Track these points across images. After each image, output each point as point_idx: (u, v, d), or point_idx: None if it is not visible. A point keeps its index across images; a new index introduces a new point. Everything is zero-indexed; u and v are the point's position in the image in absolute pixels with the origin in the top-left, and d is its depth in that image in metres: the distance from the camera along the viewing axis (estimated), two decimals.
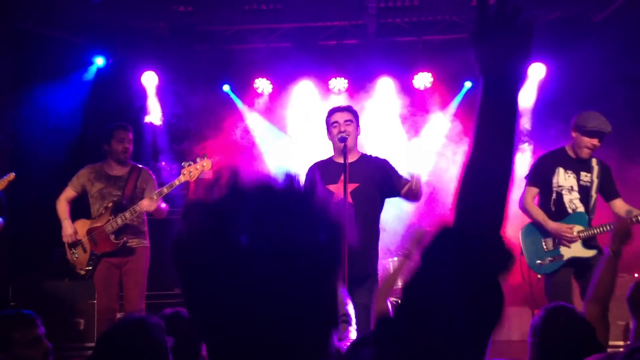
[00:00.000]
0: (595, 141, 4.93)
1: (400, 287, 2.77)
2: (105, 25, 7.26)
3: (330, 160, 4.95)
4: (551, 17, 7.33)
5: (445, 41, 7.74)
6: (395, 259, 6.15)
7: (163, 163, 7.38)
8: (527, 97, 7.64)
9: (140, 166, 5.69)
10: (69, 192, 5.57)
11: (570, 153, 5.10)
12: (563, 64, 7.30)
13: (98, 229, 5.41)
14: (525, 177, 5.24)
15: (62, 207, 5.54)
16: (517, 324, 6.28)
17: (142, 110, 7.83)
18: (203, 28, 7.79)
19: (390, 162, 4.93)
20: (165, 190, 5.29)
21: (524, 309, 6.35)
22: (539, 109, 7.58)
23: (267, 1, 7.04)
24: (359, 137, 4.92)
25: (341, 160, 4.71)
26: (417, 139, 7.88)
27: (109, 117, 7.36)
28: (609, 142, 5.62)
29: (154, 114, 7.89)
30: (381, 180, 4.73)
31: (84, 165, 5.65)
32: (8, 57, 6.60)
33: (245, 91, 8.06)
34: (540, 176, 5.12)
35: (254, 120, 8.11)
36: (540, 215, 5.02)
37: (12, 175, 5.28)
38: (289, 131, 8.02)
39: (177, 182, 5.28)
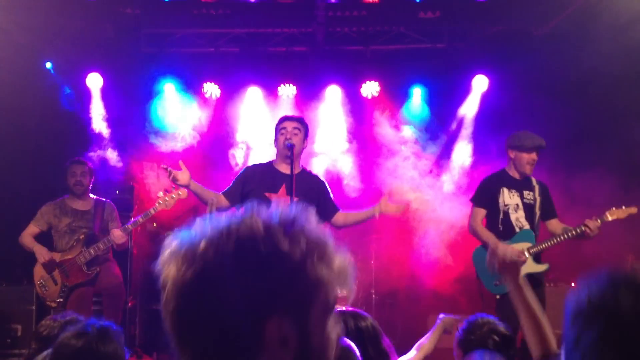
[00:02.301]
0: (534, 155, 5.16)
1: None
2: (50, 25, 7.10)
3: (270, 166, 4.92)
4: (493, 31, 7.53)
5: (392, 51, 7.86)
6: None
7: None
8: (469, 108, 7.83)
9: (104, 200, 5.91)
10: (32, 229, 5.73)
11: (511, 173, 5.27)
12: (505, 76, 7.51)
13: (69, 261, 5.56)
14: (471, 200, 5.38)
15: (28, 239, 5.68)
16: None
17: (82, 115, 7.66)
18: (150, 31, 7.70)
19: (326, 185, 5.03)
20: (140, 219, 5.46)
21: None
22: (480, 120, 7.77)
23: (216, 6, 7.03)
24: (304, 150, 4.99)
25: (283, 169, 4.74)
26: (364, 148, 7.96)
27: (53, 120, 7.26)
28: (549, 155, 5.84)
29: (98, 119, 7.73)
30: (317, 199, 4.79)
31: (44, 202, 5.85)
32: None
33: (194, 95, 7.99)
34: (486, 197, 5.25)
35: (201, 125, 8.03)
36: (491, 237, 5.07)
37: None
38: (237, 137, 7.99)
39: (152, 211, 5.39)
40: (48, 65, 7.56)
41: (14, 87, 6.95)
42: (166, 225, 7.39)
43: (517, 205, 5.16)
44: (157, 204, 5.39)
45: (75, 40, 7.43)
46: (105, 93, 7.73)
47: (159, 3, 6.92)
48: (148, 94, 7.84)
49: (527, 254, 5.02)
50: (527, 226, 5.14)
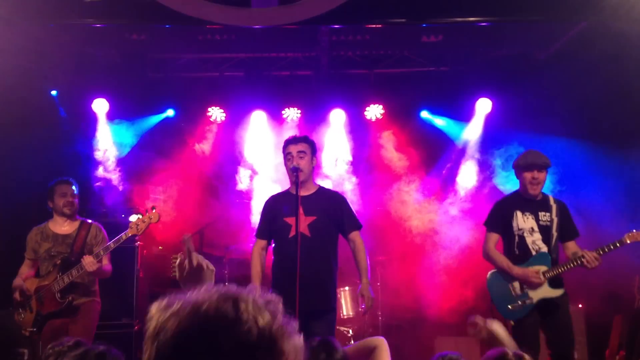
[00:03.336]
0: (534, 174, 5.00)
1: None
2: (56, 51, 7.17)
3: (287, 193, 4.97)
4: (497, 54, 7.59)
5: (396, 74, 7.93)
6: None
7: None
8: (473, 130, 7.87)
9: (90, 221, 5.51)
10: (26, 262, 5.43)
11: (525, 195, 5.12)
12: (508, 99, 7.55)
13: (45, 287, 5.21)
14: (484, 224, 5.25)
15: (20, 271, 5.39)
16: None
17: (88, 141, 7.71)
18: (156, 56, 7.78)
19: (346, 200, 5.03)
20: (112, 245, 5.14)
21: None
22: (485, 142, 7.80)
23: (220, 31, 7.09)
24: (315, 168, 4.99)
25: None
26: (368, 171, 7.99)
27: (59, 143, 7.30)
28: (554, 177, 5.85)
29: (104, 144, 7.78)
30: (336, 215, 4.80)
31: (30, 227, 5.49)
32: None
33: (199, 119, 8.05)
34: (499, 221, 5.12)
35: (206, 149, 8.08)
36: (505, 262, 4.98)
37: None
38: (243, 161, 8.03)
39: (124, 237, 5.12)
40: (53, 92, 7.62)
41: (19, 112, 7.00)
42: (171, 248, 7.40)
43: (532, 228, 5.01)
44: (129, 229, 5.13)
45: (82, 66, 7.50)
46: (111, 118, 7.80)
47: (164, 29, 6.98)
48: (153, 119, 7.90)
49: (542, 277, 4.88)
50: (544, 249, 4.97)
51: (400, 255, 7.50)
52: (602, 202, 6.47)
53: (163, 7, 5.41)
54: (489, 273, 5.13)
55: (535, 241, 5.01)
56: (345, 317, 6.69)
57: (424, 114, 8.04)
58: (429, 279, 7.39)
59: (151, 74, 7.85)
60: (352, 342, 6.56)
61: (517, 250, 5.02)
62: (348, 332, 6.61)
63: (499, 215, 5.16)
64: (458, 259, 7.43)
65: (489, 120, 7.80)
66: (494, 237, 5.13)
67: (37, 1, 5.61)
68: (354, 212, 4.99)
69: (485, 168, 7.76)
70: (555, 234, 5.02)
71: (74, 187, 5.43)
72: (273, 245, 4.92)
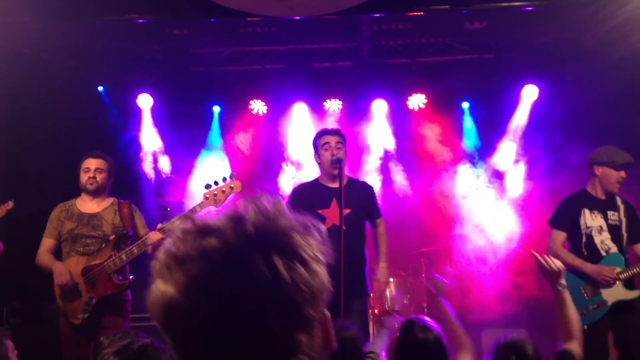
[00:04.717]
0: (623, 174, 4.82)
1: None
2: (100, 48, 7.29)
3: (317, 183, 4.94)
4: (543, 40, 7.40)
5: (439, 63, 7.81)
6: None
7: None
8: (520, 118, 7.70)
9: (123, 201, 4.94)
10: (46, 243, 4.78)
11: (594, 193, 4.93)
12: (555, 86, 7.36)
13: (97, 267, 4.53)
14: (549, 222, 5.07)
15: (44, 257, 4.73)
16: None
17: (135, 137, 7.81)
18: (198, 50, 7.84)
19: (374, 191, 5.09)
20: (185, 215, 4.44)
21: None
22: (532, 130, 7.63)
23: (261, 24, 7.09)
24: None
25: (331, 184, 4.75)
26: (411, 160, 7.90)
27: (103, 140, 7.42)
28: None
29: (149, 138, 7.89)
30: (367, 205, 4.87)
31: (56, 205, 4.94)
32: (2, 80, 6.58)
33: (241, 112, 8.08)
34: (566, 219, 4.93)
35: (249, 142, 8.11)
36: (576, 259, 4.77)
37: (10, 204, 4.96)
38: (285, 153, 8.03)
39: (198, 208, 4.44)
40: (100, 88, 7.75)
41: (67, 110, 7.15)
42: None
43: (601, 227, 4.80)
44: (204, 200, 4.43)
45: (126, 62, 7.61)
46: (155, 112, 7.89)
47: (206, 23, 7.02)
48: (197, 113, 7.97)
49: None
50: (614, 249, 4.75)
51: (444, 246, 7.40)
52: None
53: (204, 1, 5.45)
54: None
55: (604, 240, 4.80)
56: (391, 309, 6.65)
57: (465, 105, 7.88)
58: (474, 270, 7.28)
59: (193, 68, 7.91)
60: (399, 333, 6.50)
61: (586, 251, 4.81)
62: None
63: (565, 213, 4.96)
64: (504, 250, 7.31)
65: (535, 107, 7.61)
66: (561, 236, 4.93)
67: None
68: (378, 202, 5.10)
69: (532, 157, 7.58)
70: (625, 234, 4.80)
71: (101, 161, 4.82)
72: None
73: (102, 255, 4.57)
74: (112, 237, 4.62)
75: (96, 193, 4.81)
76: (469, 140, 7.83)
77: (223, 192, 4.40)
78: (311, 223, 1.07)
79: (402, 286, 6.74)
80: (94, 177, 4.76)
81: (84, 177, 4.78)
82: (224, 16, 5.90)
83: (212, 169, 7.67)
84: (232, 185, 4.43)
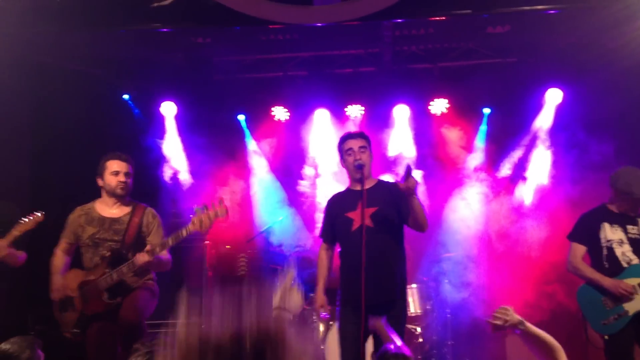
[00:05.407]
0: None
1: None
2: (124, 57, 7.38)
3: (347, 190, 4.94)
4: (567, 43, 7.33)
5: (461, 67, 7.77)
6: None
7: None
8: (544, 121, 7.63)
9: (144, 205, 4.86)
10: (62, 244, 4.80)
11: (613, 208, 4.93)
12: (579, 89, 7.29)
13: (90, 284, 4.51)
14: (568, 237, 5.07)
15: (56, 260, 4.78)
16: None
17: (158, 143, 7.88)
18: (221, 58, 7.90)
19: None
20: (169, 241, 4.45)
21: None
22: (556, 134, 7.56)
23: (283, 31, 7.13)
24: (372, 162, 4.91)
25: (358, 188, 4.72)
26: (434, 165, 7.87)
27: (127, 148, 7.50)
28: None
29: (172, 145, 7.96)
30: (398, 204, 4.68)
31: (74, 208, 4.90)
32: (28, 91, 6.69)
33: (263, 119, 8.13)
34: (586, 233, 4.94)
35: (272, 149, 8.15)
36: (594, 273, 4.80)
37: (41, 216, 4.73)
38: (308, 160, 8.05)
39: (184, 232, 4.41)
40: (125, 96, 7.85)
41: (92, 119, 7.25)
42: (239, 247, 7.50)
43: (621, 240, 4.80)
44: (190, 224, 4.39)
45: (149, 71, 7.70)
46: (179, 120, 7.97)
47: (228, 31, 7.08)
48: (220, 120, 8.03)
49: (638, 290, 4.66)
50: (635, 260, 4.75)
51: (468, 252, 7.35)
52: None
53: (226, 10, 5.49)
54: (579, 287, 4.90)
55: (625, 252, 4.79)
56: (413, 314, 6.60)
57: (486, 111, 7.83)
58: (498, 277, 7.21)
59: (216, 76, 7.97)
60: (422, 339, 6.48)
61: (607, 263, 4.81)
62: (415, 329, 6.51)
63: (585, 227, 4.96)
64: (527, 256, 7.24)
65: (560, 111, 7.54)
66: (581, 249, 4.93)
67: (104, 9, 5.78)
68: None
69: (556, 162, 7.51)
70: None
71: (129, 165, 4.76)
72: (339, 246, 4.88)
73: (97, 272, 4.54)
74: (107, 253, 4.55)
75: (123, 197, 4.76)
76: (492, 145, 7.77)
77: (209, 217, 4.37)
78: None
79: (424, 292, 6.70)
80: (125, 182, 4.70)
81: (112, 180, 4.69)
82: (246, 24, 5.94)
83: (233, 175, 7.73)
84: (217, 211, 4.39)
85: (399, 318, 4.51)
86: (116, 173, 4.70)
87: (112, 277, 4.45)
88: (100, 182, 4.76)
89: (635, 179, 4.80)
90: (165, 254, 4.64)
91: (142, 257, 4.39)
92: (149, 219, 4.75)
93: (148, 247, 4.45)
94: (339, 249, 4.89)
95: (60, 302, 4.60)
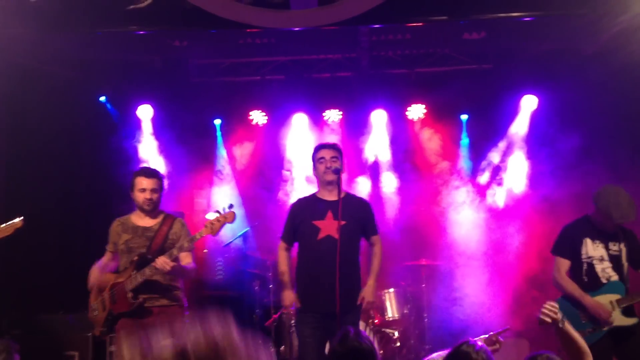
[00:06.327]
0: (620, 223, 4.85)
1: None
2: (101, 59, 7.31)
3: (314, 197, 5.07)
4: (542, 50, 7.42)
5: (438, 73, 7.83)
6: None
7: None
8: (519, 127, 7.71)
9: (175, 216, 5.10)
10: (107, 255, 5.03)
11: (595, 223, 4.95)
12: (554, 96, 7.38)
13: (119, 285, 4.78)
14: (552, 251, 5.11)
15: (94, 272, 4.95)
16: None
17: (134, 147, 7.82)
18: (198, 61, 7.86)
19: (370, 207, 5.14)
20: (185, 244, 4.70)
21: None
22: (532, 140, 7.64)
23: (260, 35, 7.11)
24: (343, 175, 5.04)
25: (327, 197, 4.89)
26: (410, 170, 7.91)
27: (105, 150, 7.44)
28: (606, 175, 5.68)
29: (148, 148, 7.90)
30: (362, 220, 4.96)
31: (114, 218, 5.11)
32: (3, 92, 6.59)
33: (240, 123, 8.10)
34: (568, 247, 4.98)
35: (249, 154, 8.13)
36: (577, 290, 4.84)
37: (19, 222, 4.64)
38: (285, 164, 8.05)
39: (198, 236, 4.69)
40: (102, 98, 7.78)
41: (67, 121, 7.18)
42: (216, 251, 7.47)
43: (602, 257, 4.87)
44: (203, 228, 4.68)
45: (126, 73, 7.64)
46: (155, 123, 7.91)
47: (205, 35, 7.05)
48: (197, 123, 7.99)
49: (615, 307, 4.75)
50: (615, 277, 4.83)
51: (443, 257, 7.39)
52: None
53: (203, 13, 5.46)
54: (558, 299, 4.91)
55: (604, 269, 4.87)
56: (391, 319, 6.62)
57: (464, 117, 7.90)
58: (474, 281, 7.26)
59: (193, 79, 7.94)
60: (399, 343, 6.49)
61: (586, 278, 4.89)
62: (393, 334, 6.52)
63: (567, 241, 5.01)
64: (504, 261, 7.30)
65: (535, 117, 7.63)
66: (565, 264, 4.98)
67: (80, 10, 5.71)
68: (374, 218, 5.12)
69: (532, 166, 7.59)
70: (625, 263, 4.87)
71: (155, 180, 4.95)
72: (298, 249, 5.06)
73: (125, 274, 4.81)
74: (135, 257, 4.80)
75: (151, 212, 4.98)
76: (469, 151, 7.84)
77: (219, 221, 4.65)
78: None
79: (402, 296, 6.72)
80: (150, 199, 4.90)
81: (139, 197, 4.91)
82: (223, 28, 5.93)
83: (209, 179, 7.69)
84: (226, 216, 4.66)
85: (355, 323, 4.83)
86: (143, 190, 4.90)
87: (136, 278, 4.71)
88: (132, 195, 4.99)
89: (615, 205, 4.77)
90: (189, 263, 4.89)
91: (161, 259, 4.62)
92: (177, 228, 4.98)
93: (168, 252, 4.70)
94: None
95: (94, 303, 4.90)
